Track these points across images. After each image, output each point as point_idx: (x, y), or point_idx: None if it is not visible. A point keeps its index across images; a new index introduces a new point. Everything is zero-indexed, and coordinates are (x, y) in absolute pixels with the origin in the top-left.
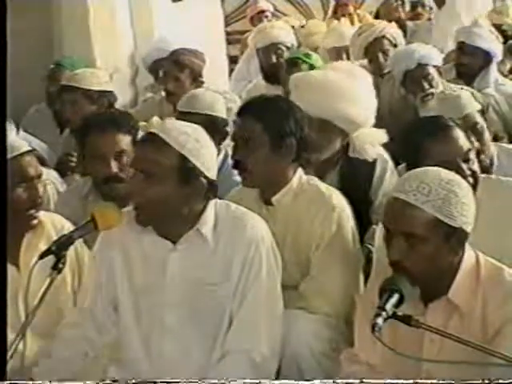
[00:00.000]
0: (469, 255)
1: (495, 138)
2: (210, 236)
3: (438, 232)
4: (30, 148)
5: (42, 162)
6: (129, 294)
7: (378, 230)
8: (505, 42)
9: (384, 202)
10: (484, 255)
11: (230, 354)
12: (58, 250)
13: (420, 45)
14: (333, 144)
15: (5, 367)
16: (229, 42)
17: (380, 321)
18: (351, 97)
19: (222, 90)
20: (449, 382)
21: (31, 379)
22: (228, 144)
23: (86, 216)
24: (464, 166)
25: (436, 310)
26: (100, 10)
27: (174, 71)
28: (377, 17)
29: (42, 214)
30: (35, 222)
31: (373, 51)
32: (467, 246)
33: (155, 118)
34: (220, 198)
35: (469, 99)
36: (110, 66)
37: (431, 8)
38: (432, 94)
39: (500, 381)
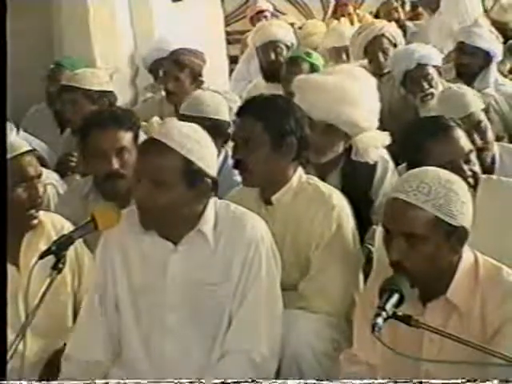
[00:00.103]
0: (467, 255)
1: (495, 138)
2: (210, 235)
3: (439, 231)
4: (30, 148)
5: (42, 162)
6: (128, 293)
7: (378, 230)
8: (505, 42)
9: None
10: (483, 255)
11: (229, 354)
12: (58, 250)
13: (420, 45)
14: (336, 147)
15: (5, 367)
16: (229, 42)
17: (380, 321)
18: (355, 100)
19: (223, 89)
20: (449, 381)
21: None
22: (228, 144)
23: (86, 216)
24: (465, 167)
25: (435, 309)
26: (100, 10)
27: (173, 71)
28: (377, 17)
29: (42, 214)
30: (35, 221)
31: (372, 50)
32: (466, 247)
33: (155, 118)
34: (220, 198)
35: (473, 97)
36: (110, 66)
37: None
38: (432, 94)
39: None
